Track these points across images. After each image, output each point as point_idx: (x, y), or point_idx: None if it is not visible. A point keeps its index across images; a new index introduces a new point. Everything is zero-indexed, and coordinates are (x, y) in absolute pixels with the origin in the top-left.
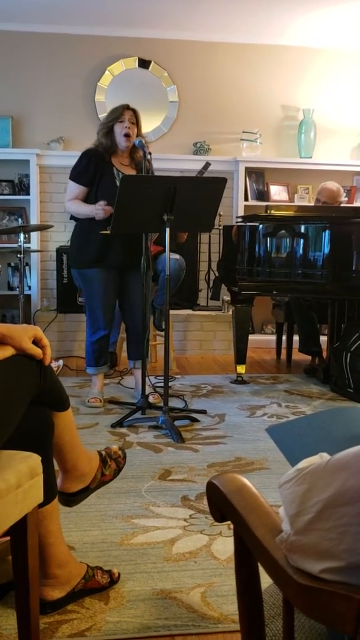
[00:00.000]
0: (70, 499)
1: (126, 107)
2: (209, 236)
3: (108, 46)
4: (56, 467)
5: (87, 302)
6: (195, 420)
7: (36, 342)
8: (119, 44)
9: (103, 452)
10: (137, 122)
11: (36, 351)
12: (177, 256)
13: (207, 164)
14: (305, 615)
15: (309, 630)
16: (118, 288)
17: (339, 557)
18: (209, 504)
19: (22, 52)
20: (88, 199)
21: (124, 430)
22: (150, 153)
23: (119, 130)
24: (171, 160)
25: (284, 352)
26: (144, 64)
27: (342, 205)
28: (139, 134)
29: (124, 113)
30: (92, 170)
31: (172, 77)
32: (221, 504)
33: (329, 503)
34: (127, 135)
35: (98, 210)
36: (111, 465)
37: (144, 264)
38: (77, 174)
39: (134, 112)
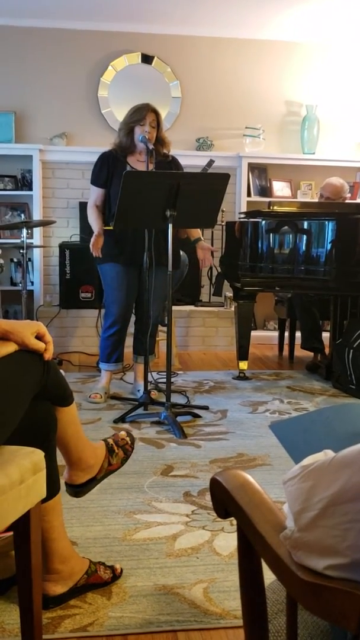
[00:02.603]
0: (78, 490)
1: (149, 110)
2: (212, 232)
3: (111, 41)
4: (62, 462)
5: (105, 297)
6: (198, 416)
7: (39, 337)
8: (122, 39)
9: (110, 441)
10: (158, 125)
11: (39, 346)
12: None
13: (211, 161)
14: (308, 612)
15: (312, 626)
16: (138, 285)
17: (343, 554)
18: (213, 500)
19: (25, 48)
20: (106, 198)
21: (126, 425)
22: (153, 149)
23: (139, 132)
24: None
25: (286, 348)
26: (147, 59)
27: (346, 201)
28: (159, 136)
29: (146, 117)
30: (105, 172)
31: (175, 73)
32: (225, 500)
33: (333, 500)
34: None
35: (92, 242)
36: (118, 453)
37: (146, 260)
38: (93, 176)
39: (157, 115)
